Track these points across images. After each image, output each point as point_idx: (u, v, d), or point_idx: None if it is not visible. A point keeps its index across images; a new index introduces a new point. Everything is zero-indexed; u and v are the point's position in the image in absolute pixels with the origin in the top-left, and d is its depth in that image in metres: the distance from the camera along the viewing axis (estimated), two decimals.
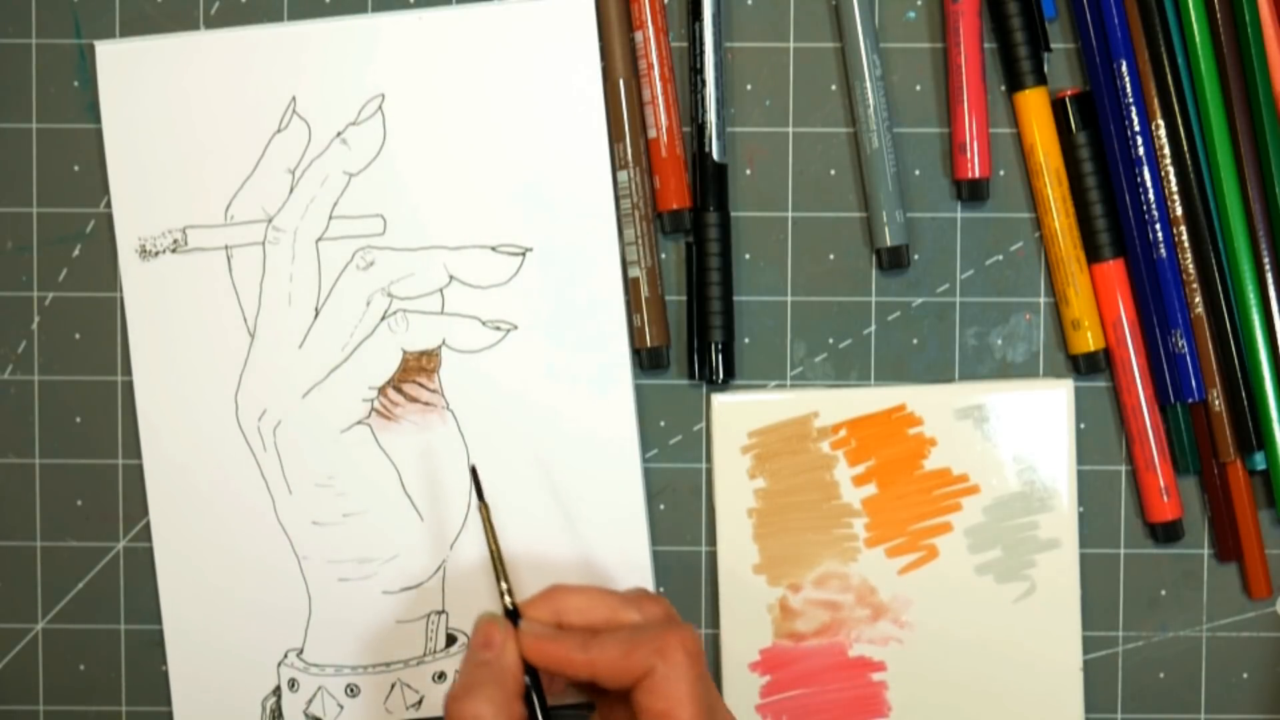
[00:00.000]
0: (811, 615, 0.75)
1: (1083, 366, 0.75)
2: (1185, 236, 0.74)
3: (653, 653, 0.65)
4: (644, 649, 0.65)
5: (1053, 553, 0.75)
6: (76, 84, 0.76)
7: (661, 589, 0.76)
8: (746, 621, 0.75)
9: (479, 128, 0.75)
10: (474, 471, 0.71)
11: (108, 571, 0.77)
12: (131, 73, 0.75)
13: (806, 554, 0.75)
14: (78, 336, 0.76)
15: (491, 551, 0.69)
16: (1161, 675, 0.76)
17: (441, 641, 0.76)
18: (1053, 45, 0.75)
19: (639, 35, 0.74)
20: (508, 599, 0.68)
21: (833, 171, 0.76)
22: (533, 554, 0.75)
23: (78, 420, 0.76)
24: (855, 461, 0.75)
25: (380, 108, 0.75)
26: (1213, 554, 0.76)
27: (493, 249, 0.75)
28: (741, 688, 0.75)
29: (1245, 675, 0.76)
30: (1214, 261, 0.74)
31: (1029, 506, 0.75)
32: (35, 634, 0.77)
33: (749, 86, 0.76)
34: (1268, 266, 0.74)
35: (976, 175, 0.75)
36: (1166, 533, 0.75)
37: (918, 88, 0.75)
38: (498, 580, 0.69)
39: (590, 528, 0.75)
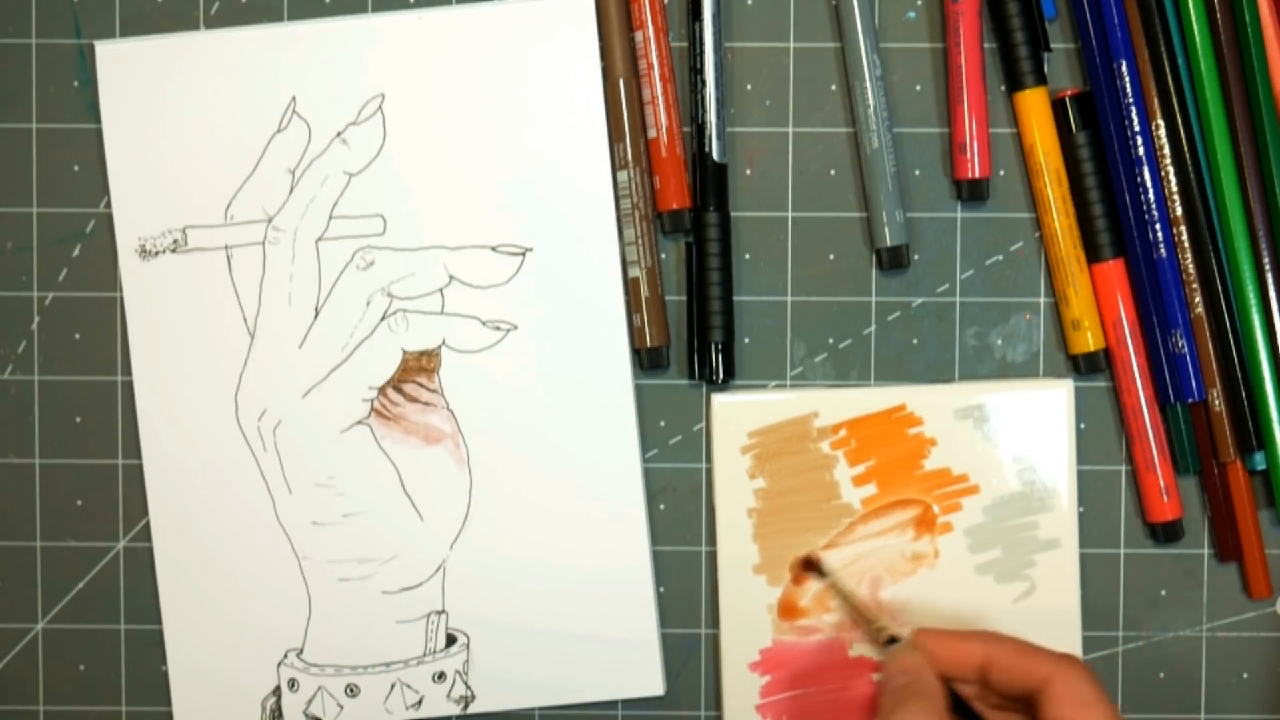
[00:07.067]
0: (812, 615, 0.75)
1: (1083, 366, 0.75)
2: (1185, 236, 0.74)
3: (1050, 660, 0.66)
4: (1040, 655, 0.67)
5: (1053, 553, 0.75)
6: (76, 84, 0.76)
7: (662, 589, 0.76)
8: (746, 621, 0.75)
9: (479, 128, 0.75)
10: (809, 564, 0.75)
11: (108, 571, 0.77)
12: (131, 73, 0.75)
13: None
14: (78, 336, 0.76)
15: (852, 604, 0.73)
16: (1161, 675, 0.76)
17: (441, 641, 0.76)
18: (1053, 45, 0.75)
19: (639, 35, 0.74)
20: (888, 632, 0.71)
21: (833, 171, 0.76)
22: (533, 554, 0.75)
23: (78, 420, 0.76)
24: (855, 461, 0.75)
25: (380, 108, 0.75)
26: (1213, 554, 0.76)
27: (493, 249, 0.75)
28: (741, 688, 0.75)
29: (1245, 675, 0.76)
30: (1214, 261, 0.74)
31: (1029, 506, 0.75)
32: (35, 634, 0.77)
33: (749, 86, 0.76)
34: (1268, 266, 0.74)
35: (976, 175, 0.75)
36: (1166, 533, 0.75)
37: (918, 88, 0.76)
38: (869, 625, 0.72)
39: (590, 527, 0.75)
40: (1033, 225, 0.76)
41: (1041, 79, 0.74)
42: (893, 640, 0.70)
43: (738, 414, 0.75)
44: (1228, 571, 0.76)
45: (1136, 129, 0.74)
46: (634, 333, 0.75)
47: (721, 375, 0.75)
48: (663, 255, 0.76)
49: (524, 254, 0.75)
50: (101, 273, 0.76)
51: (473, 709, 0.76)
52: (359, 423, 0.75)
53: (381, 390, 0.75)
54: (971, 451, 0.75)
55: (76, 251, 0.76)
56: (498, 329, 0.75)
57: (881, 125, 0.74)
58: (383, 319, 0.75)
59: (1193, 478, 0.76)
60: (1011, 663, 0.67)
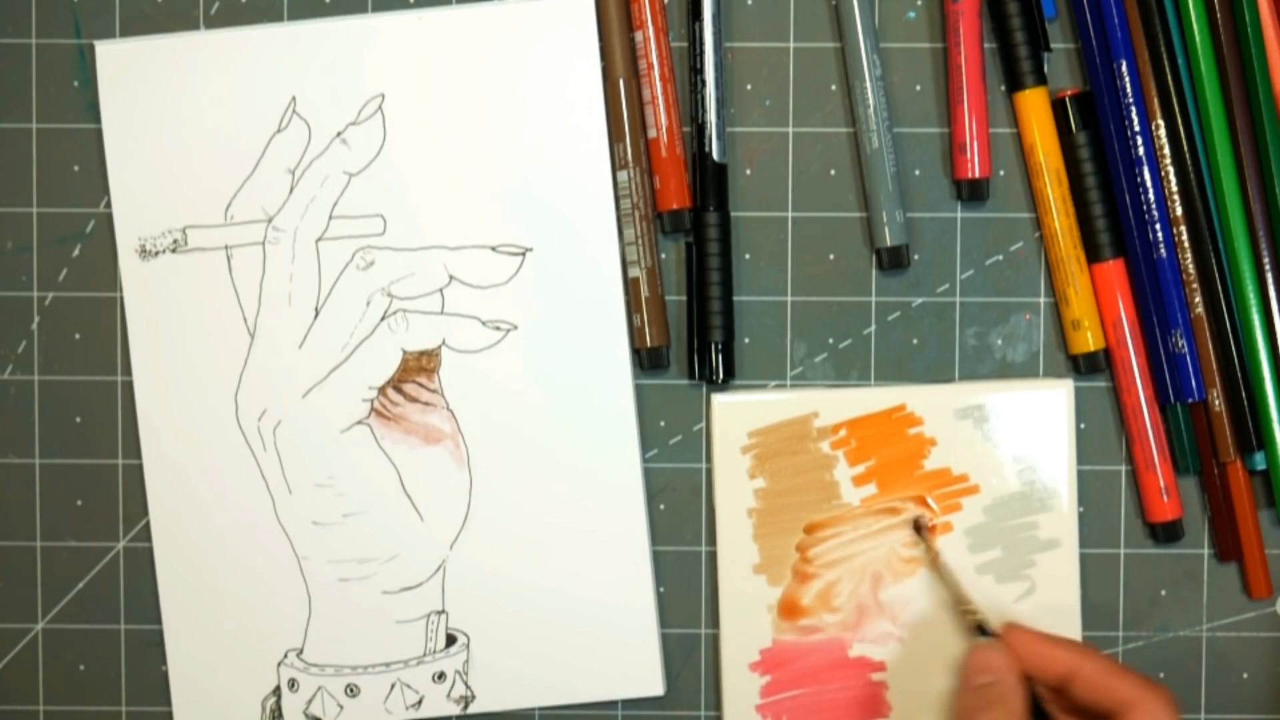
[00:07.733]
0: (812, 615, 0.75)
1: (1083, 366, 0.75)
2: (1185, 236, 0.74)
3: (1137, 686, 0.66)
4: (1129, 679, 0.66)
5: (1053, 553, 0.75)
6: (76, 84, 0.76)
7: (662, 589, 0.76)
8: (746, 621, 0.75)
9: (479, 128, 0.75)
10: (918, 527, 0.74)
11: (108, 571, 0.77)
12: (131, 73, 0.75)
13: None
14: (78, 336, 0.76)
15: (949, 583, 0.73)
16: (1161, 675, 0.76)
17: (441, 641, 0.76)
18: (1053, 45, 0.75)
19: (639, 35, 0.74)
20: (978, 619, 0.71)
21: (833, 171, 0.76)
22: (532, 554, 0.75)
23: (78, 420, 0.76)
24: (855, 461, 0.75)
25: (380, 108, 0.75)
26: (1213, 554, 0.76)
27: (493, 249, 0.75)
28: (741, 688, 0.75)
29: (1245, 675, 0.76)
30: (1214, 261, 0.74)
31: (1029, 506, 0.75)
32: (35, 634, 0.77)
33: (749, 86, 0.76)
34: (1268, 266, 0.74)
35: (976, 175, 0.75)
36: (1166, 533, 0.75)
37: (918, 88, 0.76)
38: (960, 608, 0.72)
39: (590, 528, 0.75)
40: (1033, 225, 0.76)
41: (1041, 79, 0.74)
42: (981, 629, 0.70)
43: (738, 414, 0.75)
44: (1228, 571, 0.76)
45: (1136, 129, 0.74)
46: (634, 333, 0.75)
47: (721, 375, 0.75)
48: (663, 255, 0.76)
49: (524, 254, 0.75)
50: (101, 273, 0.76)
51: (473, 709, 0.76)
52: (359, 423, 0.75)
53: (381, 390, 0.75)
54: (971, 451, 0.75)
55: (76, 251, 0.76)
56: (498, 329, 0.75)
57: (881, 125, 0.74)
58: (383, 319, 0.75)
59: (1193, 478, 0.76)
60: (1099, 681, 0.67)
